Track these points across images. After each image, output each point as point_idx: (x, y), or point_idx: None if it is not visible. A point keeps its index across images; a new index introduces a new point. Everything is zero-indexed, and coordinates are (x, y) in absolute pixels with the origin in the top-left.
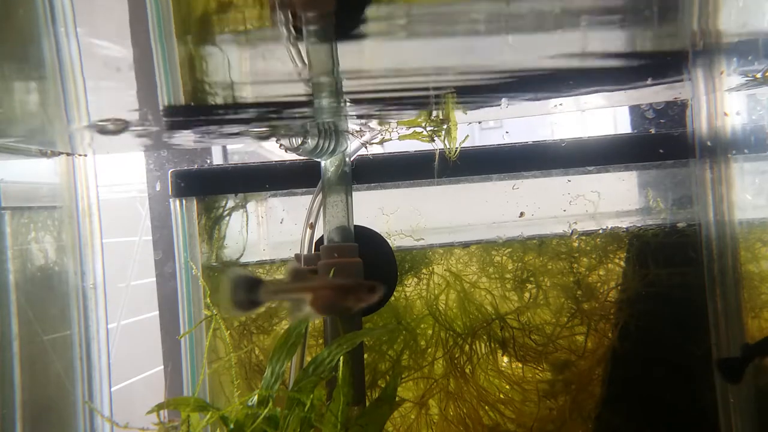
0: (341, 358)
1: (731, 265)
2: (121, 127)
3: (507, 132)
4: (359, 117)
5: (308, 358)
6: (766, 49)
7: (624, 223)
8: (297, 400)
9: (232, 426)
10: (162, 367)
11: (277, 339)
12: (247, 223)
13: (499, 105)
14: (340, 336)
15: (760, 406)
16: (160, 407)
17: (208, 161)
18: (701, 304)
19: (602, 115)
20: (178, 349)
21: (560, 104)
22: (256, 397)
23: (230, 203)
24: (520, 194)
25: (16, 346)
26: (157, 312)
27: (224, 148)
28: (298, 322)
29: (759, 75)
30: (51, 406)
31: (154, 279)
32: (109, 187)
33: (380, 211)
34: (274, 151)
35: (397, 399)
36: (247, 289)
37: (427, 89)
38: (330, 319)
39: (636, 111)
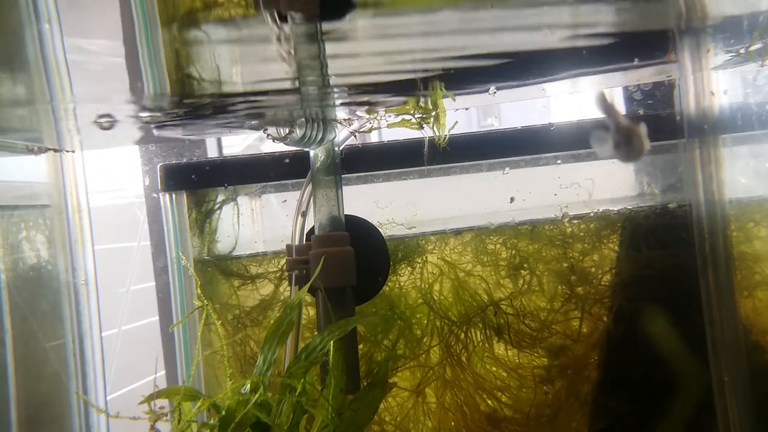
0: (332, 344)
1: (722, 244)
2: (107, 120)
3: (496, 117)
4: (347, 105)
5: None
6: (752, 25)
7: (616, 206)
8: (289, 386)
9: (223, 413)
10: (165, 371)
11: (268, 328)
12: (238, 217)
13: (487, 91)
14: (332, 323)
15: (755, 386)
16: (150, 398)
17: (197, 153)
18: (694, 285)
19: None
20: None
21: (542, 89)
22: (248, 385)
23: (221, 197)
24: (511, 180)
25: (9, 343)
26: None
27: (219, 141)
28: (289, 310)
29: (742, 50)
30: (45, 403)
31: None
32: (108, 192)
33: (375, 204)
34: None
35: (390, 383)
36: None
37: (414, 72)
38: (323, 307)
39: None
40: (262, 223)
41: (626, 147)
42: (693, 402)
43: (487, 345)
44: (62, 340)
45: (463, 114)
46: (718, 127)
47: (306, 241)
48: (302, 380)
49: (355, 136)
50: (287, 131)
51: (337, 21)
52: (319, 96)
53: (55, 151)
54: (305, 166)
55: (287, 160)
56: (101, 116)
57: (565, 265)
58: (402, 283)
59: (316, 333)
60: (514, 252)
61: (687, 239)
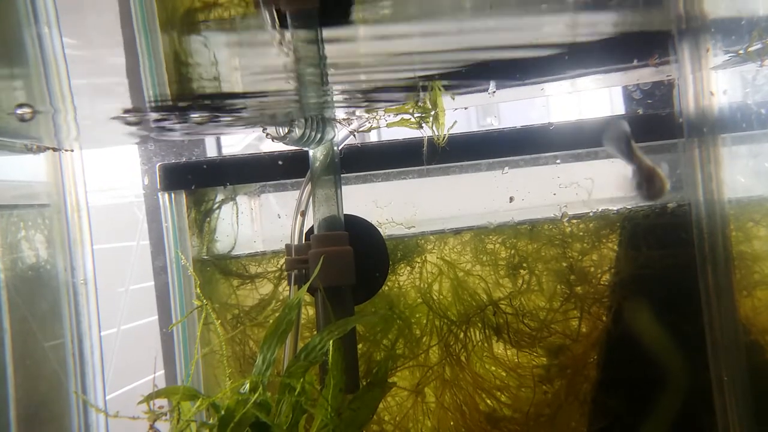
0: (331, 343)
1: (721, 243)
2: (105, 121)
3: (495, 116)
4: (346, 104)
5: None
6: (750, 25)
7: (615, 206)
8: (288, 386)
9: (223, 412)
10: (164, 370)
11: (268, 327)
12: (237, 216)
13: (487, 90)
14: (331, 323)
15: (753, 385)
16: (149, 397)
17: (196, 152)
18: (694, 284)
19: (599, 96)
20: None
21: (542, 89)
22: (247, 384)
23: (220, 196)
24: (510, 179)
25: (8, 343)
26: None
27: (218, 140)
28: (288, 310)
29: (741, 51)
30: (44, 403)
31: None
32: (107, 191)
33: (374, 203)
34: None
35: (389, 382)
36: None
37: (413, 75)
38: (322, 307)
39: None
40: (261, 223)
41: (648, 187)
42: (678, 397)
43: (486, 344)
44: (61, 340)
45: (463, 113)
46: (717, 127)
47: (305, 240)
48: (301, 380)
49: (354, 136)
50: (286, 130)
51: (337, 18)
52: (318, 95)
53: (54, 150)
54: (304, 166)
55: (280, 162)
56: (100, 115)
57: (565, 264)
58: (401, 283)
59: (315, 332)
60: (513, 251)
61: (686, 239)
